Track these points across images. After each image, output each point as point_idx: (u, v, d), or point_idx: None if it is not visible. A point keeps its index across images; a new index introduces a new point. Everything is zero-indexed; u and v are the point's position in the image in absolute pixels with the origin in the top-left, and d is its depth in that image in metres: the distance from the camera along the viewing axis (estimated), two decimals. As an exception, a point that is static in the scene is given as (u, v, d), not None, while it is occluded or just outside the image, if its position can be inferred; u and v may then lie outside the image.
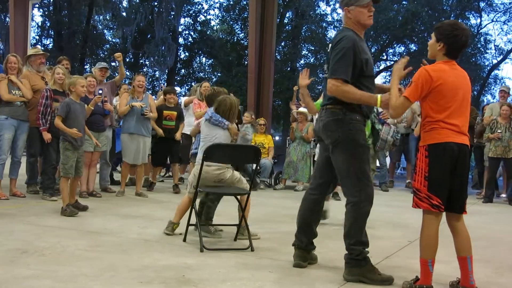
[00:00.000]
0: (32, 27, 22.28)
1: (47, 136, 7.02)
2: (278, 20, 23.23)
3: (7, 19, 24.01)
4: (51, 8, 30.00)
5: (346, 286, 3.66)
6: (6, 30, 22.60)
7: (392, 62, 30.42)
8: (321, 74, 29.20)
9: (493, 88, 30.76)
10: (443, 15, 26.97)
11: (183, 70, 33.67)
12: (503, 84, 27.66)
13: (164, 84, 28.96)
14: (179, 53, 31.95)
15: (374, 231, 5.18)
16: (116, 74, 9.59)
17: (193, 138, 8.02)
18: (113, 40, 32.96)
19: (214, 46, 30.90)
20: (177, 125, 8.96)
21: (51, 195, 7.13)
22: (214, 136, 5.18)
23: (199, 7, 32.70)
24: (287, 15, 31.03)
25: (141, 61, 31.82)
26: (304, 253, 4.13)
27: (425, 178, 3.52)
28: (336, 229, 5.32)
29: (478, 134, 10.89)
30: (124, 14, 30.46)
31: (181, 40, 32.38)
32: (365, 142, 3.90)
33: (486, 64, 30.71)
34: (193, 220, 4.89)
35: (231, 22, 32.30)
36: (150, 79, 32.06)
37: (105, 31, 33.49)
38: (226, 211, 5.74)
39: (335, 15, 31.25)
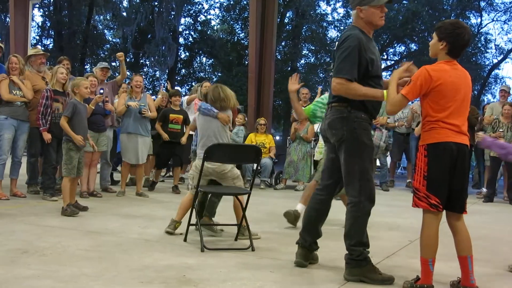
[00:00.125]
0: (32, 27, 22.29)
1: (47, 136, 7.02)
2: (278, 19, 23.24)
3: (7, 19, 24.03)
4: (51, 8, 30.02)
5: (347, 286, 3.65)
6: (6, 30, 22.59)
7: (392, 62, 30.45)
8: (321, 74, 29.27)
9: (494, 88, 30.78)
10: (444, 15, 26.97)
11: (183, 70, 33.68)
12: (504, 84, 27.61)
13: (164, 84, 28.98)
14: (179, 53, 31.98)
15: (374, 230, 5.18)
16: (117, 74, 9.58)
17: (193, 136, 8.05)
18: (114, 40, 32.98)
19: (215, 46, 30.90)
20: (183, 129, 8.98)
21: (51, 195, 7.14)
22: (207, 128, 5.19)
23: (199, 7, 32.75)
24: (288, 14, 31.03)
25: (141, 61, 31.82)
26: (307, 252, 4.13)
27: (424, 178, 3.53)
28: (336, 229, 5.32)
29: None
30: (124, 14, 30.48)
31: (181, 40, 32.41)
32: (370, 141, 3.88)
33: (487, 63, 30.73)
34: (194, 220, 4.89)
35: (232, 22, 32.31)
36: (151, 79, 32.09)
37: (106, 31, 33.53)
38: (226, 211, 5.73)
39: (335, 14, 31.32)
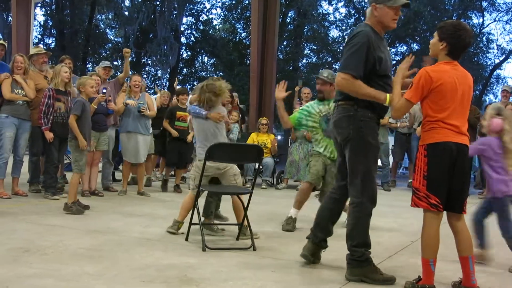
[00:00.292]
0: (34, 26, 22.27)
1: (49, 135, 7.03)
2: (280, 19, 23.22)
3: (10, 18, 24.05)
4: (53, 7, 30.04)
5: (348, 286, 3.65)
6: (8, 29, 22.63)
7: (394, 62, 30.40)
8: (323, 74, 29.19)
9: (495, 88, 30.74)
10: (446, 15, 26.94)
11: (185, 69, 33.67)
12: (505, 84, 27.63)
13: (165, 83, 28.99)
14: (181, 52, 31.98)
15: (376, 231, 5.17)
16: (119, 73, 9.59)
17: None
18: (115, 39, 32.98)
19: (216, 45, 30.90)
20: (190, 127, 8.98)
21: (53, 194, 7.14)
22: (202, 129, 5.17)
23: (201, 6, 32.72)
24: (290, 14, 31.02)
25: (143, 60, 31.83)
26: (316, 248, 4.12)
27: (424, 178, 3.53)
28: (338, 229, 5.31)
29: (481, 133, 10.85)
30: (126, 13, 30.50)
31: (183, 39, 32.40)
32: (376, 141, 3.85)
33: (488, 63, 30.67)
34: (196, 219, 4.88)
35: (233, 21, 32.29)
36: (152, 78, 32.07)
37: (107, 30, 33.55)
38: (227, 211, 5.73)
39: (337, 14, 31.30)
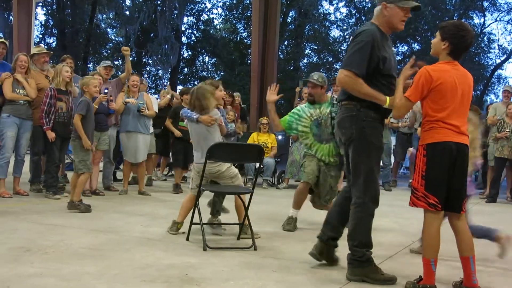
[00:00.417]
0: (35, 25, 22.29)
1: (51, 135, 7.03)
2: (281, 19, 23.22)
3: (11, 17, 24.07)
4: (54, 6, 30.08)
5: (349, 286, 3.65)
6: (9, 28, 22.64)
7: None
8: (324, 74, 29.22)
9: (497, 88, 30.70)
10: (447, 15, 26.94)
11: (186, 69, 33.71)
12: (507, 84, 27.62)
13: (167, 83, 28.98)
14: (182, 52, 32.01)
15: (377, 231, 5.15)
16: (120, 73, 9.59)
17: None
18: (116, 39, 33.00)
19: (217, 45, 30.92)
20: None
21: (54, 194, 7.15)
22: (197, 133, 5.17)
23: (202, 6, 32.75)
24: (290, 14, 31.04)
25: (144, 60, 31.85)
26: (324, 246, 4.07)
27: (422, 177, 3.53)
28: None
29: (483, 133, 10.87)
30: (127, 12, 30.52)
31: (184, 39, 32.43)
32: (379, 142, 3.83)
33: (490, 63, 30.65)
34: (196, 219, 4.88)
35: (234, 21, 32.31)
36: (153, 78, 32.10)
37: (108, 29, 33.57)
38: (229, 210, 5.73)
39: (338, 14, 31.28)
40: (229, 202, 5.62)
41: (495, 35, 30.87)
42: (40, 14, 29.71)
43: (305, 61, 31.73)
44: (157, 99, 10.55)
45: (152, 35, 30.11)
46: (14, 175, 7.43)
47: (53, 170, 7.28)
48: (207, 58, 34.02)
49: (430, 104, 3.54)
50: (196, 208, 4.85)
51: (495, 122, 10.15)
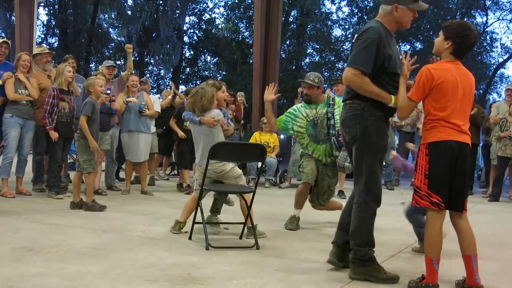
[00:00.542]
0: (37, 25, 22.32)
1: (54, 135, 7.04)
2: (283, 18, 23.21)
3: (13, 17, 24.09)
4: (56, 6, 30.11)
5: (352, 285, 3.65)
6: (11, 28, 22.66)
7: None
8: (326, 73, 29.25)
9: (499, 87, 30.69)
10: (449, 14, 26.92)
11: (188, 69, 33.73)
12: (509, 83, 27.54)
13: (170, 82, 29.01)
14: (184, 52, 32.02)
15: (379, 229, 5.14)
16: (121, 72, 9.59)
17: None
18: (118, 38, 33.04)
19: (219, 45, 30.93)
20: None
21: (56, 193, 7.16)
22: (198, 134, 5.18)
23: (204, 6, 32.78)
24: (292, 13, 31.04)
25: (146, 59, 31.88)
26: (340, 251, 3.98)
27: (425, 176, 3.52)
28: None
29: (485, 131, 10.89)
30: (129, 12, 30.56)
31: (186, 38, 32.46)
32: (384, 141, 3.81)
33: (492, 62, 30.63)
34: (199, 218, 4.89)
35: (236, 21, 32.33)
36: (155, 78, 32.12)
37: (110, 29, 33.60)
38: (231, 209, 5.74)
39: (340, 13, 31.28)
40: (233, 197, 5.64)
41: (497, 34, 30.91)
42: (42, 14, 29.81)
43: (307, 60, 31.75)
44: (159, 98, 10.55)
45: (154, 34, 30.14)
46: (17, 175, 7.44)
47: (56, 170, 7.29)
48: (209, 57, 34.06)
49: (431, 103, 3.54)
50: (199, 208, 4.85)
51: (497, 121, 10.14)
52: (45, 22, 30.81)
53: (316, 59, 31.45)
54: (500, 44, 30.42)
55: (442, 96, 3.49)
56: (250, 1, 28.96)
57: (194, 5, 32.12)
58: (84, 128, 6.38)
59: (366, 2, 29.81)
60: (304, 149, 5.87)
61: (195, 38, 32.96)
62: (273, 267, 4.02)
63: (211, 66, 34.12)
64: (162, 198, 8.00)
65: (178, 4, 29.53)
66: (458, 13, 27.86)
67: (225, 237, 5.21)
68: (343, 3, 30.78)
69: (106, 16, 32.79)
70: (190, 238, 4.89)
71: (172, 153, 11.19)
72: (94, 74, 7.99)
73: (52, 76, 7.67)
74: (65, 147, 7.37)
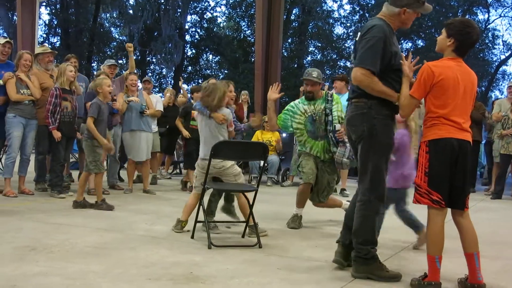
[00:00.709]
0: (39, 25, 22.33)
1: (57, 134, 7.04)
2: (285, 16, 23.20)
3: (15, 17, 24.12)
4: (58, 6, 30.13)
5: (354, 283, 3.65)
6: (13, 28, 22.67)
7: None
8: (328, 71, 29.23)
9: (501, 84, 30.68)
10: (451, 11, 26.87)
11: (190, 67, 33.73)
12: (511, 80, 27.52)
13: (170, 81, 29.02)
14: (186, 51, 32.02)
15: (381, 228, 5.16)
16: (123, 71, 9.60)
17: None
18: (120, 37, 33.06)
19: (221, 43, 30.94)
20: None
21: (59, 193, 7.17)
22: (205, 126, 5.18)
23: (205, 4, 32.77)
24: (294, 11, 31.03)
25: (148, 58, 31.90)
26: (346, 251, 3.97)
27: (425, 174, 3.52)
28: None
29: (488, 128, 10.88)
30: (130, 11, 30.56)
31: (188, 37, 32.45)
32: (389, 139, 3.80)
33: (494, 59, 30.60)
34: (201, 217, 4.89)
35: (238, 19, 32.32)
36: (157, 77, 32.13)
37: (112, 28, 33.64)
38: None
39: (342, 11, 31.25)
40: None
41: (499, 31, 30.88)
42: (44, 14, 29.85)
43: (309, 58, 31.74)
44: (161, 97, 10.56)
45: (156, 33, 30.16)
46: (19, 174, 7.45)
47: (58, 169, 7.30)
48: (211, 56, 34.09)
49: (432, 100, 3.53)
50: (201, 206, 4.86)
51: (500, 118, 10.12)
52: (47, 22, 30.88)
53: (318, 57, 31.45)
54: (502, 41, 30.40)
55: (443, 93, 3.49)
56: (251, 0, 28.95)
57: (195, 4, 32.12)
58: (92, 129, 6.39)
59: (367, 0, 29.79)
60: (302, 146, 5.85)
61: (196, 36, 32.96)
62: (275, 265, 4.02)
63: (213, 64, 34.15)
64: (164, 197, 8.01)
65: (180, 3, 29.55)
66: (460, 10, 27.82)
67: (227, 235, 5.21)
68: (344, 1, 30.80)
69: (108, 15, 32.84)
70: (192, 237, 4.89)
71: (174, 152, 11.21)
72: (97, 74, 7.99)
73: (54, 76, 7.68)
74: (67, 146, 7.39)
